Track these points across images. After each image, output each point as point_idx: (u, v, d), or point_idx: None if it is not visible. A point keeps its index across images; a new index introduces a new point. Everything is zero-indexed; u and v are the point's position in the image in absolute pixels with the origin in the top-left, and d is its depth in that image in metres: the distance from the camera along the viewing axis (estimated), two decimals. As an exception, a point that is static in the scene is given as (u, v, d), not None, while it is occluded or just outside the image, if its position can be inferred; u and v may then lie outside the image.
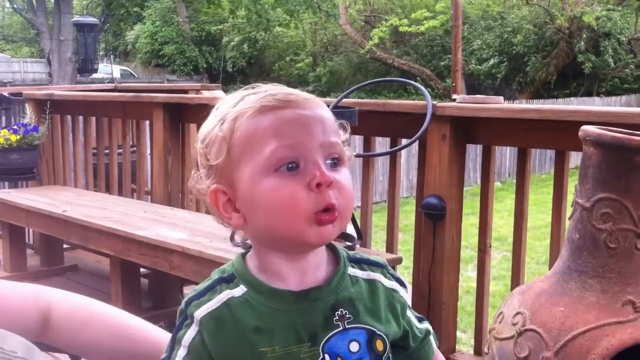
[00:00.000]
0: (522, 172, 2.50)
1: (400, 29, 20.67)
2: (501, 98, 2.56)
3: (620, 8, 19.85)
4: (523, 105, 2.50)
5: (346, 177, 0.95)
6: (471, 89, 19.81)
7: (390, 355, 0.99)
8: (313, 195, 0.90)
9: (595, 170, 1.70)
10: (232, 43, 25.23)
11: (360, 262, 1.03)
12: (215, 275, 0.98)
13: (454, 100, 2.65)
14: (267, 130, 0.92)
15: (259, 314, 0.93)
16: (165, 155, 3.79)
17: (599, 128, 1.72)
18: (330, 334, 0.94)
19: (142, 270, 3.52)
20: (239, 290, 0.94)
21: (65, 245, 4.41)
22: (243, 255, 0.99)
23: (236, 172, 0.93)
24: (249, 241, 2.81)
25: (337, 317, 0.95)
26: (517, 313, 1.78)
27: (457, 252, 2.63)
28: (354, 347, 0.95)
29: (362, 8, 23.19)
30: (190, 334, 0.93)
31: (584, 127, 1.75)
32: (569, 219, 1.79)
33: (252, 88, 0.98)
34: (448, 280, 2.61)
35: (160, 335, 1.13)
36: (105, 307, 1.14)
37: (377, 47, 21.62)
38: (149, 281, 3.83)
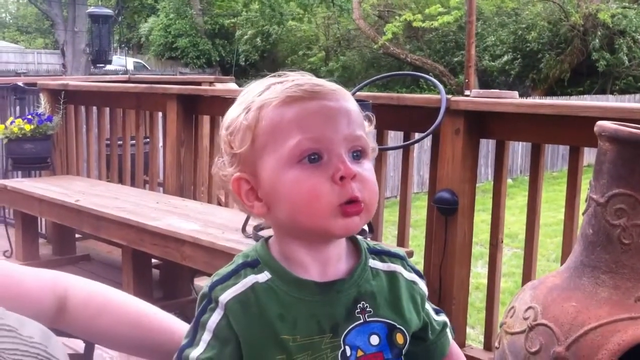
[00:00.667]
0: (536, 168, 2.49)
1: (414, 24, 20.58)
2: (516, 93, 2.54)
3: (635, 6, 19.69)
4: (537, 101, 2.50)
5: (369, 170, 0.94)
6: (484, 85, 19.72)
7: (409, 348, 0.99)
8: (337, 188, 0.90)
9: (610, 166, 1.70)
10: (245, 36, 25.23)
11: (380, 254, 1.02)
12: (239, 259, 0.97)
13: (467, 96, 2.64)
14: (291, 122, 0.92)
15: (282, 302, 0.92)
16: (179, 147, 3.81)
17: (615, 123, 1.72)
18: (351, 326, 0.94)
19: (153, 261, 3.54)
20: (264, 276, 0.94)
21: (77, 235, 4.44)
22: (266, 240, 0.99)
23: (259, 162, 0.93)
24: (261, 233, 2.80)
25: (358, 310, 0.95)
26: (529, 307, 1.78)
27: (469, 247, 2.63)
28: (374, 340, 0.95)
29: (375, 3, 23.11)
30: (215, 317, 0.92)
31: (600, 123, 1.74)
32: (583, 214, 1.79)
33: (279, 76, 0.97)
34: (459, 274, 2.61)
35: (175, 324, 1.13)
36: (122, 294, 1.15)
37: (390, 42, 21.54)
38: (160, 272, 3.85)
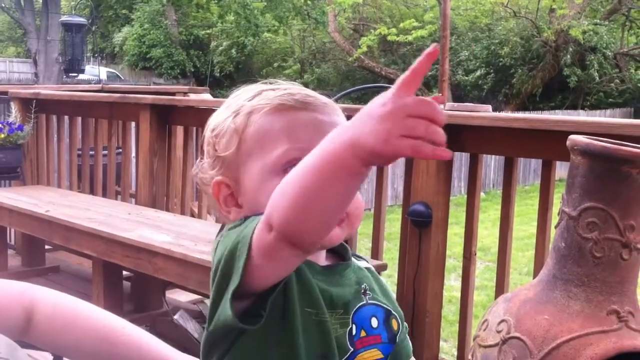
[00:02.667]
0: (509, 181, 2.51)
1: (389, 38, 20.71)
2: (489, 107, 2.56)
3: (607, 23, 20.03)
4: (511, 114, 2.51)
5: None
6: (457, 100, 19.87)
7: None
8: None
9: (582, 180, 1.71)
10: (220, 48, 25.19)
11: (353, 254, 1.04)
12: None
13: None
14: (281, 131, 0.90)
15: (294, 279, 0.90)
16: (151, 157, 3.77)
17: (588, 138, 1.73)
18: (358, 305, 0.94)
19: (124, 273, 3.49)
20: None
21: (47, 247, 4.36)
22: None
23: (243, 167, 0.92)
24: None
25: (362, 290, 0.96)
26: (502, 321, 1.78)
27: (442, 259, 2.63)
28: (374, 322, 0.95)
29: (351, 16, 23.24)
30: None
31: (572, 137, 1.75)
32: (555, 227, 1.80)
33: (270, 84, 0.97)
34: (432, 287, 2.61)
35: (144, 339, 1.11)
36: (90, 307, 1.12)
37: (365, 56, 21.65)
38: (132, 284, 3.80)
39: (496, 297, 2.60)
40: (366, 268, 1.03)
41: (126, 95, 3.98)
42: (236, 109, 0.94)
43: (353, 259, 1.01)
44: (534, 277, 2.45)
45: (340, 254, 1.00)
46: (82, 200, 3.91)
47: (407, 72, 0.71)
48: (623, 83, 19.73)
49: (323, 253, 0.97)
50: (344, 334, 0.91)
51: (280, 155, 0.89)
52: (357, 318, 0.93)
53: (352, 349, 0.92)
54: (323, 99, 0.96)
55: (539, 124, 2.33)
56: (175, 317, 2.95)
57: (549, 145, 2.34)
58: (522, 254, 6.98)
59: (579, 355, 1.61)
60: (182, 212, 3.85)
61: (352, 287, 0.95)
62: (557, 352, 1.64)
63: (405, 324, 1.07)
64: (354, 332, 0.92)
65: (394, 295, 1.05)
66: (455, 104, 2.60)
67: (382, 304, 0.97)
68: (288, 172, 0.87)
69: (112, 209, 3.65)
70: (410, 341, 1.07)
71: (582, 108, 19.00)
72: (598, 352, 1.60)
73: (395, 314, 0.99)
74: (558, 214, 1.80)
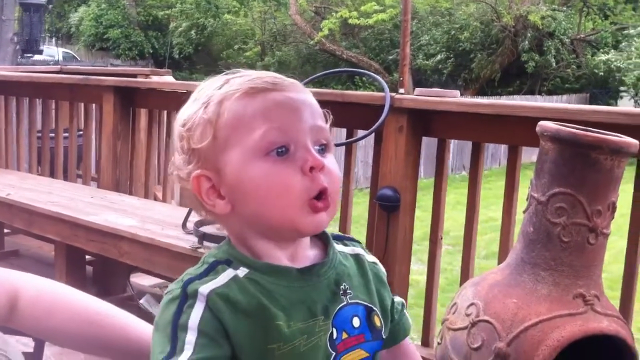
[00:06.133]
0: (476, 166, 2.54)
1: (350, 21, 20.71)
2: (457, 92, 2.58)
3: (564, 9, 20.32)
4: (478, 100, 2.55)
5: (334, 163, 0.94)
6: (418, 84, 20.01)
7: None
8: (307, 180, 0.89)
9: (551, 165, 1.74)
10: (180, 29, 24.85)
11: (341, 239, 1.03)
12: (209, 259, 0.94)
13: (401, 94, 2.67)
14: (256, 113, 0.89)
15: (268, 292, 0.89)
16: (115, 140, 3.71)
17: (557, 124, 1.76)
18: (337, 308, 0.93)
19: (87, 257, 3.45)
20: (241, 272, 0.91)
21: (5, 230, 4.28)
22: (228, 242, 0.96)
23: (222, 156, 0.90)
24: (202, 229, 2.75)
25: (341, 292, 0.95)
26: (471, 304, 1.81)
27: (409, 243, 2.66)
28: (356, 322, 0.95)
29: (312, -1, 23.16)
30: (196, 313, 0.86)
31: (542, 123, 1.78)
32: (524, 212, 1.83)
33: (234, 73, 0.96)
34: (400, 271, 2.63)
35: (129, 320, 1.11)
36: (74, 292, 1.12)
37: (326, 39, 21.61)
38: (94, 268, 3.75)
39: (461, 280, 2.64)
40: (354, 255, 1.02)
41: (88, 77, 3.90)
42: (206, 100, 0.92)
43: (338, 245, 1.01)
44: (497, 260, 2.49)
45: (326, 238, 1.00)
46: (43, 184, 3.84)
47: None
48: (579, 69, 20.08)
49: (306, 243, 0.97)
50: (325, 340, 0.91)
51: (259, 138, 0.89)
52: (337, 321, 0.93)
53: (334, 353, 0.92)
54: (290, 79, 0.96)
55: (505, 110, 2.36)
56: (141, 301, 2.93)
57: (515, 130, 2.38)
58: (480, 238, 7.06)
59: (546, 338, 1.65)
60: (146, 196, 3.81)
61: (331, 288, 0.94)
62: (525, 334, 1.67)
63: (401, 300, 1.07)
64: (334, 335, 0.92)
65: (384, 280, 1.04)
66: (424, 90, 2.61)
67: (362, 302, 0.97)
68: (270, 155, 0.88)
69: (75, 193, 3.59)
70: (409, 318, 1.09)
71: (540, 93, 19.31)
72: (565, 335, 1.64)
73: (377, 309, 0.98)
74: (527, 199, 1.83)
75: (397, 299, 1.07)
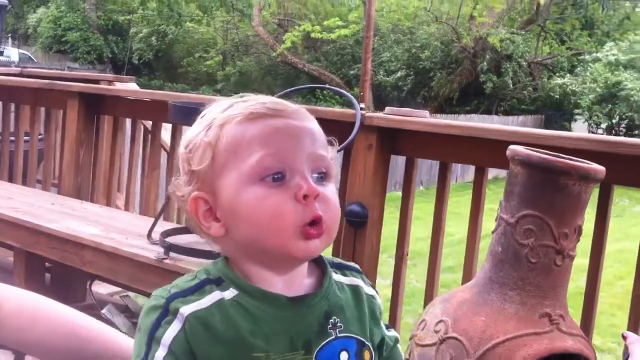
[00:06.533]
0: (443, 184, 2.58)
1: (313, 35, 20.82)
2: (427, 112, 2.63)
3: (523, 32, 20.78)
4: (448, 121, 2.60)
5: (332, 192, 0.93)
6: (378, 99, 20.21)
7: None
8: (300, 207, 0.88)
9: (521, 189, 1.78)
10: (140, 34, 24.64)
11: (341, 268, 1.02)
12: (201, 275, 0.93)
13: (363, 109, 2.70)
14: (254, 138, 0.90)
15: (253, 317, 0.89)
16: (78, 147, 3.67)
17: (527, 149, 1.81)
18: (323, 343, 0.92)
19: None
20: (230, 293, 0.90)
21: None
22: (226, 259, 0.95)
23: (219, 180, 0.91)
24: (168, 239, 2.71)
25: (330, 325, 0.94)
26: (440, 321, 1.83)
27: (376, 259, 2.68)
28: (344, 356, 0.94)
29: (275, 11, 23.19)
30: (171, 331, 0.87)
31: (513, 147, 1.82)
32: (492, 232, 1.87)
33: (241, 97, 0.96)
34: (365, 286, 2.66)
35: (109, 335, 1.10)
36: (55, 304, 1.11)
37: (288, 51, 21.68)
38: (52, 275, 3.68)
39: (426, 296, 2.68)
40: (351, 286, 1.00)
41: (54, 82, 3.85)
42: (208, 123, 0.93)
43: (336, 275, 0.99)
44: (463, 278, 2.53)
45: (324, 267, 0.99)
46: (1, 188, 3.76)
47: None
48: (535, 91, 20.53)
49: (303, 271, 0.96)
50: None
51: (254, 163, 0.89)
52: (321, 356, 0.92)
53: None
54: (295, 105, 0.95)
55: (474, 132, 2.42)
56: (103, 311, 2.89)
57: (481, 152, 2.43)
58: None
59: (513, 356, 1.68)
60: (108, 204, 3.76)
61: (319, 321, 0.93)
62: (492, 352, 1.70)
63: (395, 336, 1.06)
64: None
65: (379, 318, 1.02)
66: (394, 109, 2.65)
67: (354, 336, 0.96)
68: (265, 181, 0.88)
69: (35, 198, 3.52)
70: (401, 353, 1.08)
71: (496, 113, 19.67)
72: (531, 353, 1.67)
73: (369, 344, 0.97)
74: (495, 220, 1.88)
75: (391, 333, 1.06)
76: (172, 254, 2.53)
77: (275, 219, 0.88)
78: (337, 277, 1.00)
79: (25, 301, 1.09)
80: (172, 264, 2.49)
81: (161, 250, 2.57)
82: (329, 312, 0.94)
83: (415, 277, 5.81)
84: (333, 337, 0.93)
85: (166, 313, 0.88)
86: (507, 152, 1.82)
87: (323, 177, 0.93)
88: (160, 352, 0.87)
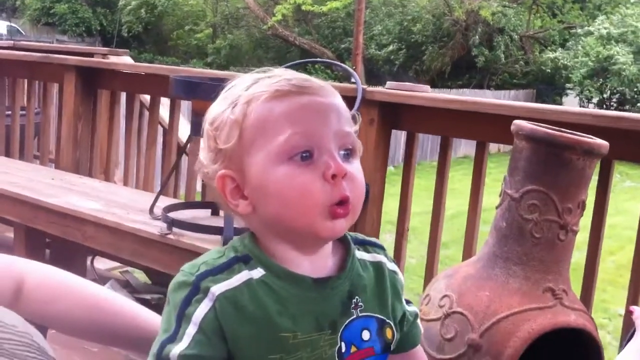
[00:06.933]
0: (444, 159, 2.59)
1: (304, 7, 20.66)
2: (428, 87, 2.63)
3: (515, 5, 20.71)
4: (448, 96, 2.60)
5: (358, 169, 0.94)
6: (369, 73, 20.14)
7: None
8: (328, 187, 0.89)
9: (525, 163, 1.80)
10: (129, 7, 24.33)
11: (364, 244, 1.03)
12: (229, 253, 0.94)
13: (354, 82, 2.70)
14: (281, 116, 0.90)
15: (279, 298, 0.90)
16: (76, 121, 3.65)
17: (531, 123, 1.82)
18: (347, 322, 0.94)
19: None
20: (257, 273, 0.92)
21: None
22: (252, 235, 0.96)
23: (247, 158, 0.91)
24: (170, 214, 2.72)
25: (353, 305, 0.95)
26: (444, 296, 1.86)
27: (377, 233, 2.70)
28: (366, 335, 0.95)
29: (266, -17, 23.01)
30: (202, 309, 0.88)
31: (517, 122, 1.84)
32: (496, 208, 1.89)
33: (265, 72, 0.96)
34: (366, 261, 2.68)
35: (136, 309, 1.11)
36: (79, 279, 1.12)
37: (279, 24, 21.53)
38: (51, 251, 3.69)
39: (426, 272, 2.70)
40: (374, 263, 1.01)
41: (49, 55, 3.82)
42: (233, 100, 0.93)
43: (359, 252, 1.00)
44: (463, 253, 2.56)
45: (347, 246, 0.99)
46: (-1, 163, 3.75)
47: None
48: (527, 65, 20.53)
49: (328, 250, 0.97)
50: (332, 354, 0.92)
51: (283, 142, 0.89)
52: (345, 335, 0.93)
53: None
54: (320, 82, 0.95)
55: (474, 107, 2.42)
56: (106, 286, 2.90)
57: (482, 127, 2.44)
58: (429, 228, 7.23)
59: (517, 330, 1.71)
60: (107, 179, 3.76)
61: (343, 301, 0.94)
62: (497, 326, 1.73)
63: (415, 311, 1.07)
64: (343, 349, 0.93)
65: (401, 293, 1.03)
66: (395, 83, 2.65)
67: (375, 315, 0.97)
68: (294, 160, 0.89)
69: (33, 173, 3.51)
70: (420, 328, 1.09)
71: (488, 87, 19.68)
72: (535, 327, 1.71)
73: (390, 321, 0.99)
74: (499, 195, 1.89)
75: (411, 308, 1.07)
76: (174, 229, 2.54)
77: (303, 198, 0.89)
78: (360, 254, 1.00)
79: (49, 275, 1.10)
80: (175, 239, 2.49)
81: (164, 225, 2.57)
82: (352, 292, 0.96)
83: (408, 253, 5.85)
84: (354, 316, 0.95)
85: (196, 291, 0.89)
86: (512, 127, 1.84)
87: (349, 153, 0.93)
88: (191, 329, 0.88)
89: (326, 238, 0.93)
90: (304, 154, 0.89)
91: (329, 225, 0.90)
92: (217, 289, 0.89)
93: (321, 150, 0.90)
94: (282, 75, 0.94)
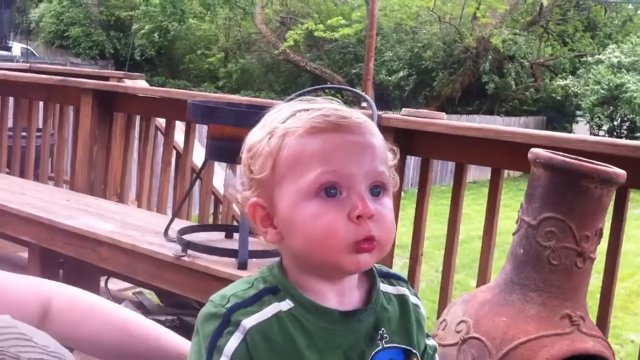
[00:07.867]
0: (458, 186, 2.61)
1: (316, 33, 20.81)
2: (444, 114, 2.65)
3: (525, 33, 20.80)
4: (465, 124, 2.62)
5: (388, 208, 0.94)
6: (379, 99, 20.21)
7: None
8: (352, 226, 0.90)
9: (542, 191, 1.81)
10: (142, 31, 24.59)
11: (389, 277, 1.04)
12: (259, 284, 0.95)
13: (364, 107, 2.72)
14: (313, 154, 0.91)
15: (307, 331, 0.92)
16: (91, 144, 3.69)
17: (548, 152, 1.83)
18: (373, 353, 0.95)
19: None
20: (286, 305, 0.93)
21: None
22: (281, 264, 0.97)
23: (278, 191, 0.93)
24: (185, 237, 2.73)
25: (379, 337, 0.96)
26: (461, 321, 1.87)
27: (389, 259, 2.70)
28: None
29: (278, 9, 23.20)
30: (233, 342, 0.89)
31: (535, 150, 1.85)
32: (513, 234, 1.90)
33: (307, 101, 0.97)
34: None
35: (161, 332, 1.12)
36: (106, 302, 1.13)
37: (290, 49, 21.68)
38: (64, 272, 3.70)
39: (440, 297, 2.70)
40: (398, 296, 1.02)
41: (67, 78, 3.87)
42: (271, 130, 0.94)
43: (383, 285, 1.01)
44: (478, 278, 2.56)
45: (373, 278, 1.01)
46: (15, 184, 3.78)
47: None
48: (537, 92, 20.56)
49: (354, 283, 0.98)
50: None
51: (312, 180, 0.90)
52: None
53: None
54: (359, 118, 0.95)
55: (491, 134, 2.44)
56: (120, 307, 2.90)
57: (497, 154, 2.46)
58: (438, 252, 7.22)
59: (534, 356, 1.71)
60: (121, 201, 3.78)
61: (369, 333, 0.96)
62: (514, 353, 1.73)
63: (434, 345, 1.08)
64: None
65: (422, 325, 1.04)
66: (411, 110, 2.68)
67: (399, 345, 0.98)
68: (320, 196, 0.90)
69: (49, 195, 3.54)
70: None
71: (498, 114, 19.69)
72: (553, 353, 1.71)
73: (416, 351, 0.99)
74: (516, 222, 1.90)
75: (431, 342, 1.08)
76: (189, 252, 2.55)
77: (327, 237, 0.90)
78: (384, 287, 1.01)
79: (77, 297, 1.11)
80: (189, 262, 2.51)
81: (178, 247, 2.59)
82: (377, 325, 0.97)
83: (419, 277, 5.84)
84: (380, 347, 0.96)
85: (227, 324, 0.90)
86: (529, 155, 1.85)
87: (379, 190, 0.94)
88: None
89: (351, 272, 0.95)
90: (332, 190, 0.90)
91: (354, 259, 0.91)
92: (248, 322, 0.90)
93: (350, 189, 0.90)
94: (320, 110, 0.94)
